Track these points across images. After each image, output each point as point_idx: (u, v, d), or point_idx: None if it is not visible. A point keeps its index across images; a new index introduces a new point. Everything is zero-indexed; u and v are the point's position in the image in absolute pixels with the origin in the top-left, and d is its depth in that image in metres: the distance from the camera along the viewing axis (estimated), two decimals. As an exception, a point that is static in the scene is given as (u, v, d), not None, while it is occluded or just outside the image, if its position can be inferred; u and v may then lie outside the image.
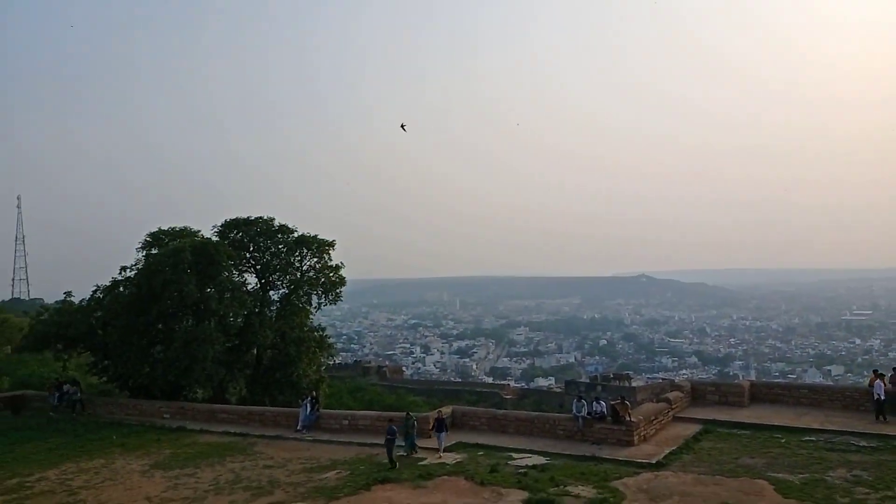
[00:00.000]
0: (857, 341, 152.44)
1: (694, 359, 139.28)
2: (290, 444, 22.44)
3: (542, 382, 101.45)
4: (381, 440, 19.87)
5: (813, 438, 19.87)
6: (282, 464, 19.79)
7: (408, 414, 21.84)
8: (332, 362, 45.15)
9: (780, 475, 16.26)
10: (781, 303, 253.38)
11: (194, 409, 27.97)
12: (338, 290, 35.69)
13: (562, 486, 15.84)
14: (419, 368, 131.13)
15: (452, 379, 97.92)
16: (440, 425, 20.33)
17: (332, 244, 35.67)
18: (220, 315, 30.74)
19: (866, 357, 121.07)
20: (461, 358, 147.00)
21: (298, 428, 24.09)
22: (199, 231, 34.65)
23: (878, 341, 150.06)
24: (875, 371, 24.04)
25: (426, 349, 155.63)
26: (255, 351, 33.64)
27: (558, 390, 61.84)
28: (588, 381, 62.78)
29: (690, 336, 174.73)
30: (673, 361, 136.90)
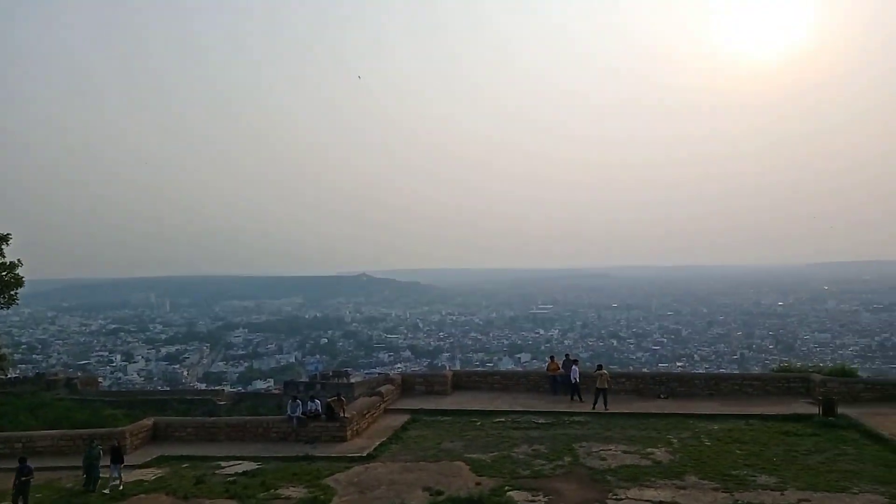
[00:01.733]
0: (541, 331, 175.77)
1: (408, 353, 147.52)
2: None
3: (260, 385, 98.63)
4: (67, 462, 17.40)
5: (503, 419, 22.35)
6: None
7: (91, 441, 17.31)
8: (3, 376, 38.50)
9: (474, 455, 17.96)
10: (482, 299, 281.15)
11: None
12: (12, 292, 30.64)
13: (273, 490, 15.51)
14: (119, 379, 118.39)
15: (160, 388, 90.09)
16: (116, 455, 16.67)
17: (5, 238, 30.46)
18: None
19: (548, 345, 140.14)
20: (170, 364, 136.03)
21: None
22: None
23: (557, 331, 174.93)
24: (552, 357, 28.01)
25: (128, 357, 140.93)
26: None
27: (277, 392, 60.67)
28: (307, 380, 62.62)
29: (405, 331, 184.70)
30: (389, 356, 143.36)
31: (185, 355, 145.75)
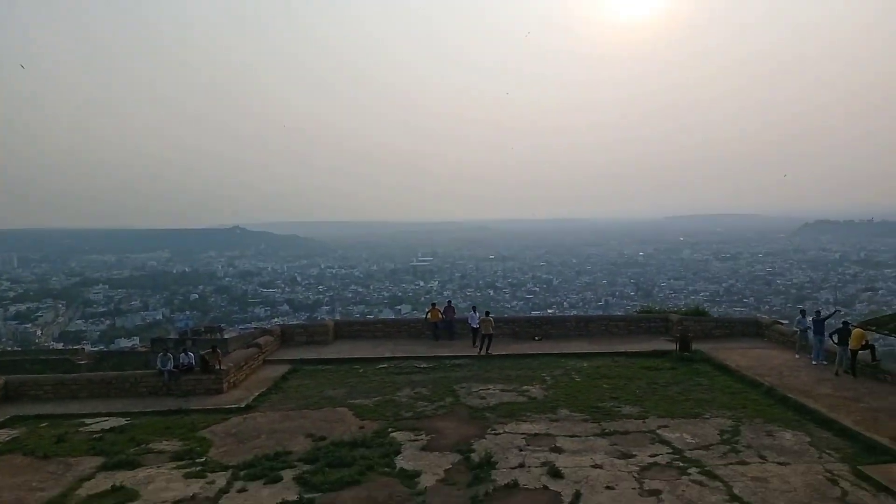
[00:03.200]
0: (421, 283, 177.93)
1: (286, 307, 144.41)
2: None
3: (124, 343, 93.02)
4: None
5: (385, 366, 22.48)
6: None
7: None
8: None
9: (357, 401, 17.97)
10: (363, 252, 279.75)
11: None
12: None
13: (144, 445, 14.72)
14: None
15: (10, 349, 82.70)
16: None
17: None
18: None
19: (428, 296, 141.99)
20: (21, 324, 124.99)
21: None
22: None
23: (437, 282, 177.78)
24: (433, 304, 28.43)
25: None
26: None
27: (143, 349, 57.23)
28: (177, 336, 59.73)
29: (283, 285, 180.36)
30: (265, 311, 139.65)
31: (38, 314, 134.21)
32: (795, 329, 22.77)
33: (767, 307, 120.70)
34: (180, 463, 13.51)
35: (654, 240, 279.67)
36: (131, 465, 13.45)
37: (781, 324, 26.33)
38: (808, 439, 14.07)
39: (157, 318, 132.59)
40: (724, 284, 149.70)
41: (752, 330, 26.54)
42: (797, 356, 21.70)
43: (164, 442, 14.94)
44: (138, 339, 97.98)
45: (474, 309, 26.19)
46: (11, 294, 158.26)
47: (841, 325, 19.55)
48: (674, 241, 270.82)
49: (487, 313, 25.45)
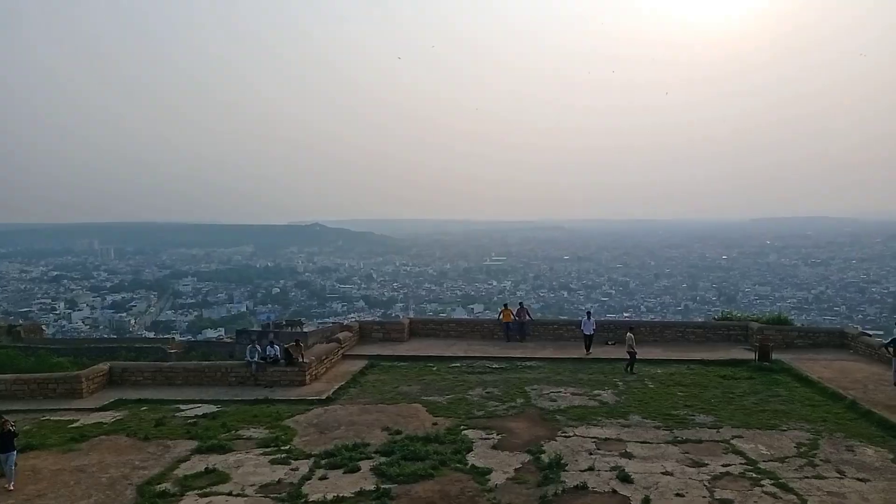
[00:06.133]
0: (494, 283, 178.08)
1: (362, 303, 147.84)
2: None
3: (211, 334, 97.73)
4: (21, 406, 17.34)
5: (458, 364, 23.00)
6: None
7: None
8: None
9: (431, 398, 18.56)
10: (437, 250, 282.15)
11: None
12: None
13: (234, 431, 15.81)
14: (63, 327, 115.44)
15: (106, 336, 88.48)
16: (5, 443, 12.80)
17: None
18: None
19: (500, 296, 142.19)
20: (117, 313, 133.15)
21: None
22: None
23: (510, 282, 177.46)
24: (505, 305, 28.71)
25: (73, 304, 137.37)
26: None
27: (229, 340, 60.23)
28: (260, 329, 62.46)
29: (359, 282, 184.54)
30: (343, 306, 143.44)
31: (132, 304, 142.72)
32: (884, 344, 21.70)
33: (861, 316, 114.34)
34: (267, 449, 14.46)
35: (738, 243, 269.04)
36: (223, 449, 14.52)
37: (868, 335, 25.17)
38: (892, 456, 13.62)
39: (242, 310, 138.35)
40: (813, 291, 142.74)
41: (837, 341, 25.51)
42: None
43: (252, 429, 15.98)
44: (223, 330, 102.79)
45: (588, 315, 25.79)
46: (108, 284, 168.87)
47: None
48: (760, 245, 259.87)
49: (631, 328, 23.20)
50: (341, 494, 11.93)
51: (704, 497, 11.60)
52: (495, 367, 22.47)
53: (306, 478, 12.84)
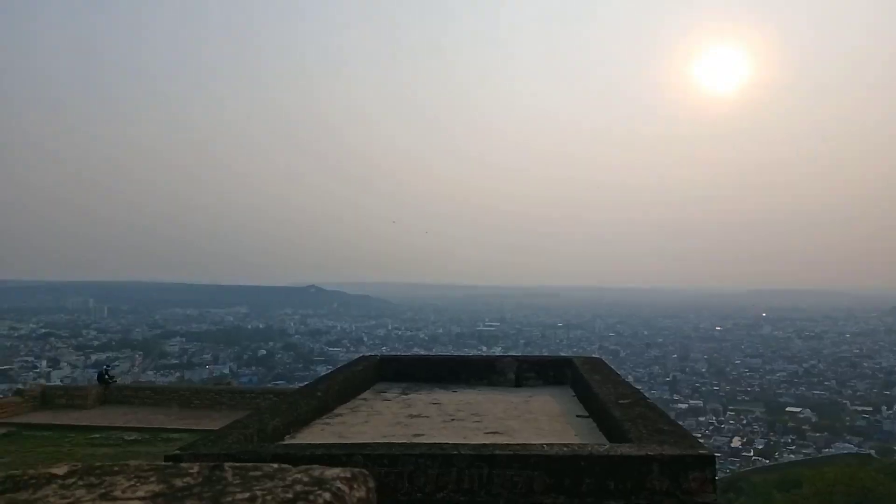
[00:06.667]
0: (484, 348, 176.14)
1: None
2: None
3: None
4: None
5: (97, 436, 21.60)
6: None
7: None
8: None
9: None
10: (431, 314, 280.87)
11: None
12: None
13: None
14: (44, 387, 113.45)
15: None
16: None
17: None
18: None
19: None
20: (98, 371, 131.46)
21: None
22: None
23: (500, 348, 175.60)
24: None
25: (55, 363, 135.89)
26: None
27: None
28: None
29: (348, 344, 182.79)
30: (327, 369, 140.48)
31: (116, 363, 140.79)
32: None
33: (850, 391, 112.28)
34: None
35: (734, 314, 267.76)
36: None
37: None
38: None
39: (224, 371, 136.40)
40: (804, 365, 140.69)
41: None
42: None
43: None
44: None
45: None
46: (95, 343, 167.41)
47: None
48: (755, 317, 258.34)
49: None
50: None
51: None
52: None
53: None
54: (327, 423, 9.72)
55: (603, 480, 5.24)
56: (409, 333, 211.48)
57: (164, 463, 1.61)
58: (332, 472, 1.48)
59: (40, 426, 22.51)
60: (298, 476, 1.41)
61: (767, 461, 71.34)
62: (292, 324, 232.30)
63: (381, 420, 10.09)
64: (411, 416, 10.38)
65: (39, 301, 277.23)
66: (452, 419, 10.14)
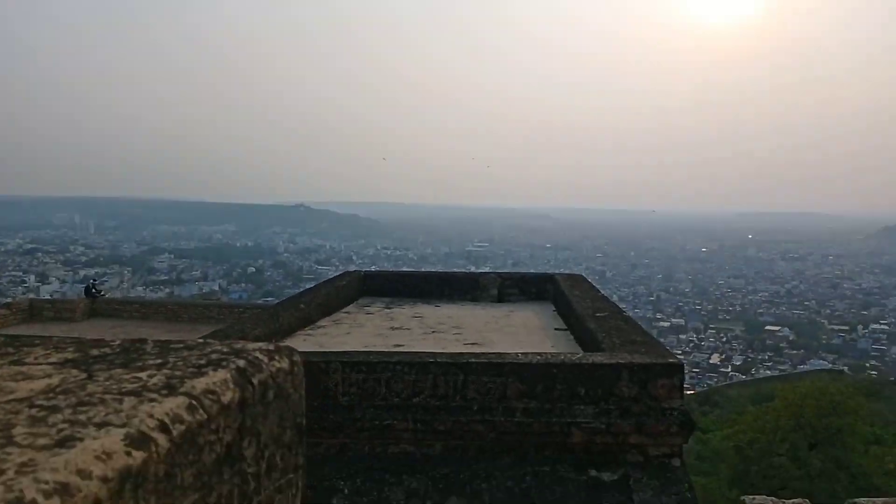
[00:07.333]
0: (473, 268, 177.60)
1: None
2: None
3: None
4: None
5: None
6: None
7: None
8: None
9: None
10: (420, 235, 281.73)
11: None
12: None
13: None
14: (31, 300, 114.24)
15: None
16: None
17: None
18: None
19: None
20: (85, 285, 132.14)
21: None
22: None
23: (488, 267, 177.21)
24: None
25: (43, 278, 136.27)
26: None
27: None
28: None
29: (337, 263, 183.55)
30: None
31: (105, 279, 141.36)
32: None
33: (829, 311, 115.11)
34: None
35: (721, 236, 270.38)
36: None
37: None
38: None
39: (214, 288, 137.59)
40: (786, 286, 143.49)
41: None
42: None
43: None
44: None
45: None
46: (83, 259, 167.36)
47: None
48: (742, 239, 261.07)
49: None
50: None
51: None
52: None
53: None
54: (309, 335, 9.88)
55: (574, 387, 5.38)
56: (398, 253, 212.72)
57: (90, 338, 1.58)
58: (254, 344, 1.45)
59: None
60: (219, 347, 1.40)
61: (744, 377, 73.80)
62: (281, 242, 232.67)
63: (362, 332, 10.25)
64: (393, 328, 10.55)
65: (24, 216, 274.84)
66: (433, 331, 10.31)
